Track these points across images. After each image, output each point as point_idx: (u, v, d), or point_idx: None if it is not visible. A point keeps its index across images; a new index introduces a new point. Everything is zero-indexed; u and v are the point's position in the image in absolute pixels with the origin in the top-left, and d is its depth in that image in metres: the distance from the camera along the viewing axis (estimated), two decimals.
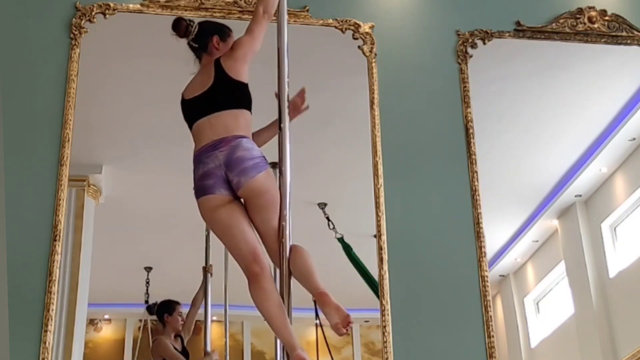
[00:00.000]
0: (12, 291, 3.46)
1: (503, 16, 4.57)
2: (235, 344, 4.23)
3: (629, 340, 4.36)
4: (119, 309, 4.24)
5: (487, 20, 4.54)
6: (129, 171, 4.31)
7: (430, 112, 4.34)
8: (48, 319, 3.64)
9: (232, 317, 4.22)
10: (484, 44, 4.49)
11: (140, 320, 4.17)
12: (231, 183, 3.11)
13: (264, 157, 3.16)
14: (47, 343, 3.60)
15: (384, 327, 3.87)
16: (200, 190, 3.14)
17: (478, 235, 4.10)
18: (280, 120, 3.27)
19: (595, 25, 4.61)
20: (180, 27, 3.40)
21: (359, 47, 4.36)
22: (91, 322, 4.12)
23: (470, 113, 4.32)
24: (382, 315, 3.90)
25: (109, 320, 4.18)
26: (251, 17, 3.95)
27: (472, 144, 4.26)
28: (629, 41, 4.62)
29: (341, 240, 4.22)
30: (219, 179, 3.12)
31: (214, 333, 4.14)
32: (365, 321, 4.27)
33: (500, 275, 4.68)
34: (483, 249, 4.08)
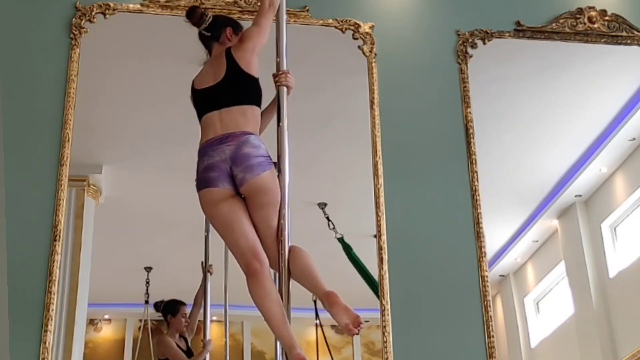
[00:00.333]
0: (12, 291, 3.46)
1: (503, 16, 4.57)
2: (235, 344, 4.24)
3: (629, 340, 4.36)
4: (119, 309, 4.24)
5: (487, 20, 4.54)
6: (129, 171, 4.31)
7: (430, 112, 4.33)
8: (48, 319, 3.63)
9: (232, 317, 4.22)
10: (484, 44, 4.49)
11: (140, 320, 4.17)
12: (235, 178, 3.11)
13: (269, 156, 3.17)
14: (47, 343, 3.60)
15: (384, 327, 3.87)
16: (203, 182, 3.15)
17: (478, 235, 4.10)
18: (279, 118, 3.28)
19: (595, 25, 4.61)
20: (195, 14, 3.40)
21: (359, 47, 4.36)
22: (91, 322, 4.12)
23: (470, 113, 4.32)
24: (382, 315, 3.89)
25: (109, 320, 4.18)
26: (251, 17, 3.96)
27: (472, 144, 4.26)
28: (629, 41, 4.62)
29: (341, 240, 4.22)
30: (223, 173, 3.12)
31: (214, 333, 4.14)
32: (366, 321, 4.26)
33: (500, 275, 4.68)
34: (483, 249, 4.08)
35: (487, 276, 4.04)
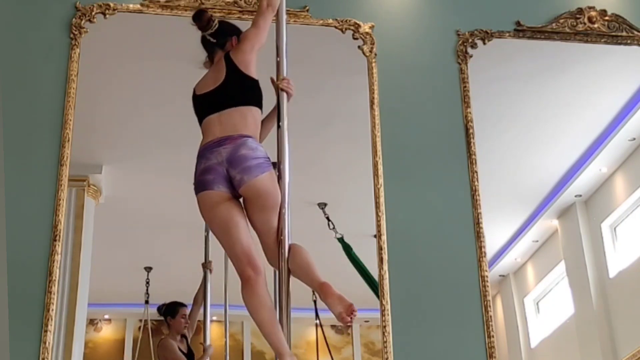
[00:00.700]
0: (12, 291, 3.46)
1: (503, 16, 4.56)
2: (235, 344, 4.24)
3: (629, 340, 4.36)
4: (119, 309, 4.24)
5: (487, 20, 4.54)
6: (129, 171, 4.31)
7: (430, 112, 4.33)
8: (48, 319, 3.63)
9: (232, 317, 4.22)
10: (484, 44, 4.49)
11: (140, 320, 4.17)
12: (233, 180, 3.11)
13: (268, 158, 3.16)
14: (47, 343, 3.60)
15: (384, 327, 3.87)
16: (200, 185, 3.15)
17: (478, 235, 4.10)
18: (278, 119, 3.28)
19: (595, 25, 4.61)
20: (202, 19, 3.40)
21: (359, 47, 4.36)
22: (91, 322, 4.12)
23: (470, 113, 4.32)
24: (382, 315, 3.89)
25: (109, 320, 4.19)
26: (252, 17, 3.96)
27: (472, 144, 4.26)
28: (629, 41, 4.62)
29: (341, 240, 4.22)
30: (220, 175, 3.12)
31: (214, 333, 4.14)
32: (365, 321, 4.28)
33: (500, 275, 4.68)
34: (483, 249, 4.08)
35: (487, 276, 4.04)
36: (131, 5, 4.23)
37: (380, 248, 3.99)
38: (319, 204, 4.27)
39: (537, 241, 4.71)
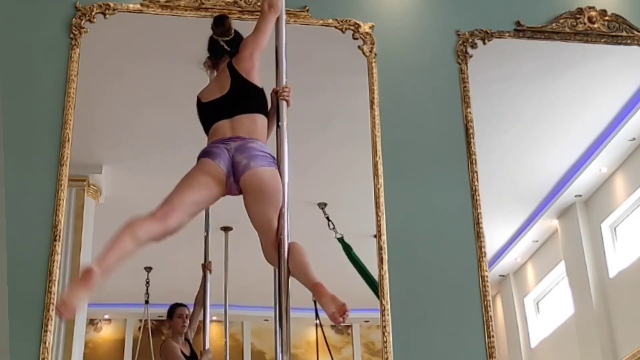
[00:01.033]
0: (12, 291, 3.46)
1: (503, 16, 4.56)
2: (235, 344, 4.24)
3: (629, 340, 4.36)
4: (119, 309, 4.24)
5: (487, 20, 4.54)
6: (129, 171, 4.31)
7: (430, 112, 4.33)
8: (48, 319, 3.63)
9: (232, 317, 4.22)
10: (484, 44, 4.49)
11: (140, 320, 4.17)
12: (237, 165, 3.10)
13: (275, 158, 3.18)
14: (47, 343, 3.60)
15: (384, 327, 3.87)
16: (203, 154, 3.17)
17: (478, 235, 4.10)
18: (278, 119, 3.29)
19: (595, 25, 4.61)
20: (226, 24, 3.43)
21: (359, 47, 4.36)
22: (91, 322, 4.12)
23: (470, 113, 4.32)
24: (382, 315, 3.89)
25: (109, 320, 4.18)
26: (252, 17, 3.96)
27: (472, 144, 4.26)
28: (629, 41, 4.62)
29: (341, 240, 4.22)
30: (225, 157, 3.12)
31: (213, 333, 4.14)
32: (365, 321, 4.28)
33: (500, 275, 4.68)
34: (483, 249, 4.08)
35: (487, 276, 4.04)
36: (131, 5, 4.23)
37: (380, 248, 3.99)
38: (319, 204, 4.27)
39: (537, 241, 4.71)
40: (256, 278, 4.08)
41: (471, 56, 4.45)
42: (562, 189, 4.64)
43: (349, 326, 4.30)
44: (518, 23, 4.55)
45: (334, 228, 4.22)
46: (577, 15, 4.62)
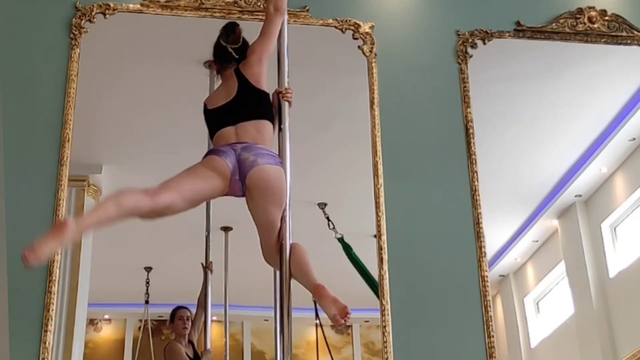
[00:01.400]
0: (12, 291, 3.46)
1: (503, 16, 4.56)
2: (235, 344, 4.24)
3: (629, 340, 4.36)
4: (119, 309, 4.24)
5: (487, 20, 4.54)
6: (129, 171, 4.31)
7: (430, 112, 4.33)
8: (48, 319, 3.63)
9: (232, 317, 4.22)
10: (484, 44, 4.49)
11: (140, 320, 4.17)
12: (244, 162, 3.09)
13: (281, 162, 3.18)
14: (47, 343, 3.60)
15: (384, 327, 3.87)
16: (210, 152, 3.17)
17: (478, 235, 4.10)
18: (280, 121, 3.28)
19: (595, 25, 4.61)
20: (236, 32, 3.41)
21: (359, 47, 4.36)
22: (91, 322, 4.12)
23: (470, 113, 4.32)
24: (382, 315, 3.89)
25: (109, 320, 4.19)
26: (251, 17, 3.95)
27: (472, 144, 4.26)
28: (629, 41, 4.62)
29: (341, 240, 4.22)
30: (231, 154, 3.11)
31: (213, 333, 4.14)
32: (365, 321, 4.28)
33: (500, 275, 4.68)
34: (483, 249, 4.08)
35: (487, 276, 4.04)
36: (131, 5, 4.23)
37: (380, 248, 3.99)
38: (319, 204, 4.27)
39: (537, 241, 4.71)
40: (256, 278, 4.08)
41: (471, 56, 4.45)
42: (562, 189, 4.64)
43: (349, 326, 4.30)
44: (518, 23, 4.55)
45: (334, 228, 4.22)
46: (577, 15, 4.62)
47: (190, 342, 4.11)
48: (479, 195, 4.16)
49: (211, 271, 4.11)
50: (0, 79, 3.94)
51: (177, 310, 4.14)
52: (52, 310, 3.65)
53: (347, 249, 4.21)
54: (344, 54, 4.38)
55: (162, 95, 4.25)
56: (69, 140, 3.92)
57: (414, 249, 4.05)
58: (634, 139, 4.57)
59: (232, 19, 4.15)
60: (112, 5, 4.21)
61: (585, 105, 4.63)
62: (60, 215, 3.79)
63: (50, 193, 3.84)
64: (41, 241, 2.70)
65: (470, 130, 4.28)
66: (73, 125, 3.95)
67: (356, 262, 4.19)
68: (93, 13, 4.18)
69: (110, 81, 4.25)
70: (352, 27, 4.38)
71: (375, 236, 4.02)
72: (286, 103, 3.29)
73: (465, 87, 4.37)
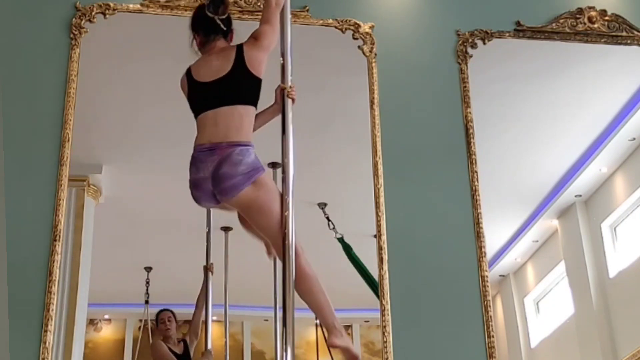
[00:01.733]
0: (12, 291, 3.46)
1: (503, 16, 4.56)
2: (235, 344, 4.24)
3: (629, 340, 4.36)
4: (119, 309, 4.24)
5: (487, 20, 4.54)
6: (129, 171, 4.31)
7: (430, 112, 4.33)
8: (48, 319, 3.63)
9: (232, 317, 4.22)
10: (484, 44, 4.49)
11: (140, 320, 4.17)
12: (219, 183, 3.10)
13: (252, 167, 3.09)
14: (47, 343, 3.60)
15: (384, 327, 3.87)
16: (192, 196, 3.19)
17: (478, 235, 4.10)
18: (284, 126, 3.23)
19: (595, 25, 4.61)
20: (225, 2, 3.33)
21: (359, 47, 4.36)
22: (91, 322, 4.12)
23: (470, 113, 4.32)
24: (382, 315, 3.89)
25: (109, 320, 4.18)
26: (251, 17, 3.94)
27: (472, 144, 4.26)
28: (629, 41, 4.62)
29: (341, 240, 4.22)
30: (206, 193, 3.12)
31: (214, 333, 4.14)
32: (365, 321, 4.28)
33: (500, 275, 4.68)
34: (483, 249, 4.08)
35: (487, 276, 4.04)
36: (131, 5, 4.23)
37: (380, 248, 3.99)
38: (319, 204, 4.27)
39: (537, 241, 4.71)
40: (256, 278, 4.09)
41: (471, 56, 4.45)
42: (562, 189, 4.64)
43: (349, 326, 4.30)
44: (518, 23, 4.55)
45: (334, 228, 4.22)
46: (577, 15, 4.62)
47: (183, 340, 4.11)
48: (479, 195, 4.16)
49: (212, 272, 4.11)
50: (0, 79, 3.94)
51: (159, 314, 4.15)
52: (52, 310, 3.65)
53: (347, 249, 4.21)
54: (344, 54, 4.38)
55: (162, 95, 4.24)
56: (69, 140, 3.92)
57: (414, 249, 4.05)
58: (634, 139, 4.57)
59: (232, 19, 4.15)
60: (112, 5, 4.21)
61: (585, 105, 4.63)
62: (60, 215, 3.79)
63: (50, 193, 3.84)
64: None
65: (470, 130, 4.28)
66: (73, 125, 3.95)
67: (356, 262, 4.19)
68: (93, 13, 4.18)
69: (110, 81, 4.25)
70: (352, 27, 4.38)
71: (375, 236, 4.02)
72: (289, 100, 3.25)
73: (465, 87, 4.37)
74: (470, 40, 4.48)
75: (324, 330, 3.03)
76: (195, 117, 3.25)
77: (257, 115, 3.27)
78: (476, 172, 4.21)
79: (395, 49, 4.42)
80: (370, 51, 4.35)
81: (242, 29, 3.50)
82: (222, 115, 3.15)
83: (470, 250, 4.08)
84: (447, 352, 3.93)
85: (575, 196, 4.66)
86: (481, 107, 4.35)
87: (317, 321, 4.02)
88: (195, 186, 3.15)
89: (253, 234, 3.26)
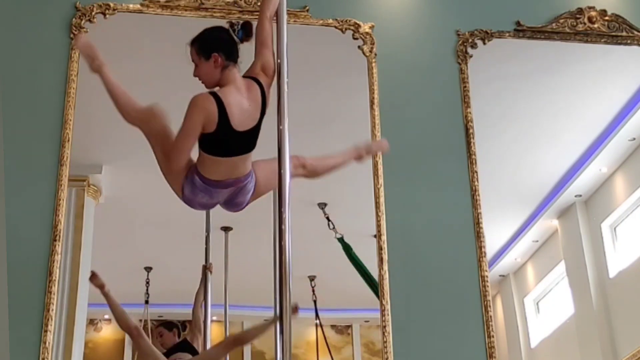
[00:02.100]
0: (12, 291, 3.46)
1: (503, 16, 4.57)
2: None
3: (629, 340, 4.36)
4: None
5: (487, 20, 4.54)
6: (129, 171, 4.31)
7: (430, 112, 4.34)
8: (48, 319, 3.63)
9: (232, 317, 4.22)
10: (484, 44, 4.49)
11: (140, 320, 4.17)
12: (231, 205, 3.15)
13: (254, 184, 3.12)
14: (47, 343, 3.60)
15: (384, 327, 3.87)
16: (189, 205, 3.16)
17: (478, 235, 4.10)
18: (279, 121, 3.25)
19: (595, 25, 4.61)
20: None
21: (359, 47, 4.36)
22: (91, 322, 4.12)
23: (470, 113, 4.32)
24: (382, 315, 3.89)
25: (109, 320, 4.18)
26: (252, 17, 3.93)
27: (472, 144, 4.26)
28: (629, 41, 4.62)
29: (341, 240, 4.22)
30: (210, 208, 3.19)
31: (214, 333, 4.14)
32: (365, 321, 4.28)
33: (500, 275, 4.68)
34: (483, 249, 4.08)
35: (487, 276, 4.04)
36: (131, 5, 4.23)
37: (380, 248, 3.99)
38: (319, 204, 4.27)
39: (537, 241, 4.71)
40: (256, 278, 4.09)
41: (471, 56, 4.45)
42: (562, 189, 4.64)
43: (349, 326, 4.30)
44: (518, 23, 4.55)
45: (334, 228, 4.22)
46: (577, 15, 4.62)
47: (181, 341, 4.10)
48: (479, 195, 4.16)
49: (210, 272, 4.11)
50: (0, 79, 3.94)
51: (156, 328, 4.13)
52: (52, 310, 3.65)
53: (347, 249, 4.21)
54: (344, 54, 4.38)
55: (162, 95, 4.23)
56: (69, 140, 3.92)
57: (414, 249, 4.05)
58: (634, 139, 4.57)
59: (232, 19, 4.15)
60: (112, 5, 4.21)
61: (585, 105, 4.63)
62: (60, 215, 3.79)
63: (50, 193, 3.84)
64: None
65: (470, 130, 4.28)
66: (73, 125, 3.95)
67: (356, 262, 4.19)
68: (93, 13, 4.18)
69: None
70: (352, 27, 4.38)
71: (375, 236, 4.02)
72: (285, 93, 3.12)
73: (465, 87, 4.38)
74: (470, 40, 4.48)
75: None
76: (213, 155, 3.04)
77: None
78: (476, 172, 4.21)
79: (395, 49, 4.42)
80: (370, 51, 4.35)
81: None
82: (245, 157, 3.06)
83: (470, 250, 4.08)
84: (447, 352, 3.93)
85: (575, 196, 4.66)
86: (481, 107, 4.35)
87: (317, 321, 4.03)
88: (203, 205, 3.17)
89: None
